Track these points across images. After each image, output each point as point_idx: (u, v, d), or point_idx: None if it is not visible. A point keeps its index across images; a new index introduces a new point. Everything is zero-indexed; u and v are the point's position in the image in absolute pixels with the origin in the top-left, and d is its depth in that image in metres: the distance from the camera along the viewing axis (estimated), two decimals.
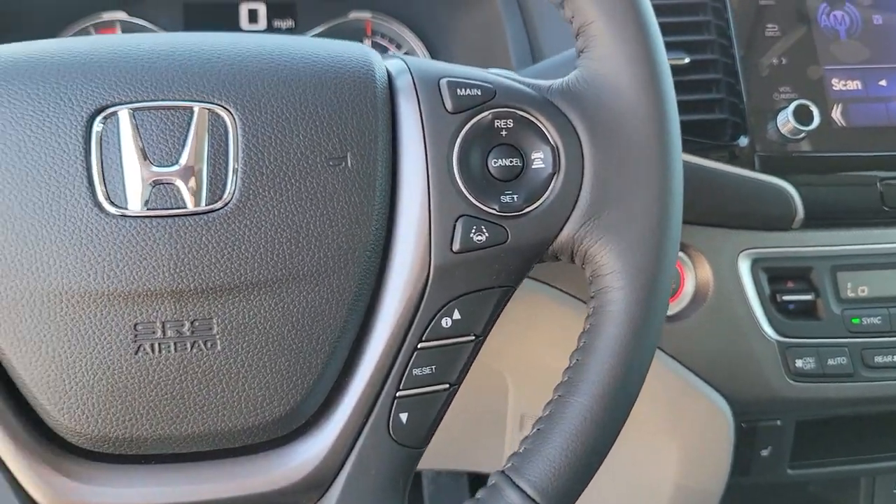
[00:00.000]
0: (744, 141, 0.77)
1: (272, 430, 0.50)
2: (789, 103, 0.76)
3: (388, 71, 0.52)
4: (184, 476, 0.50)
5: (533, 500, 0.48)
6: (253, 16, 1.04)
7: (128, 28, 1.02)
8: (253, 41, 0.51)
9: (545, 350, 0.76)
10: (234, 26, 1.04)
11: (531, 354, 0.83)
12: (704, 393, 0.79)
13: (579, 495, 0.50)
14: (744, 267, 0.78)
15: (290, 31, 1.05)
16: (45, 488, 0.48)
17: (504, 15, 0.87)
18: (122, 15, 1.01)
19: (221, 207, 0.47)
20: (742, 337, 0.78)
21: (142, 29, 1.02)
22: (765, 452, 0.83)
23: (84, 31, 1.01)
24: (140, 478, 0.49)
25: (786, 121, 0.75)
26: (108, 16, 1.01)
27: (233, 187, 0.47)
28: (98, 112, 0.47)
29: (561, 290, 0.78)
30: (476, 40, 0.95)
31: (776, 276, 0.79)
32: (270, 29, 1.04)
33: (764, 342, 0.78)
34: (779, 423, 0.83)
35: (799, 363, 0.78)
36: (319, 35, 1.05)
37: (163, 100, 0.47)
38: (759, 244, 0.79)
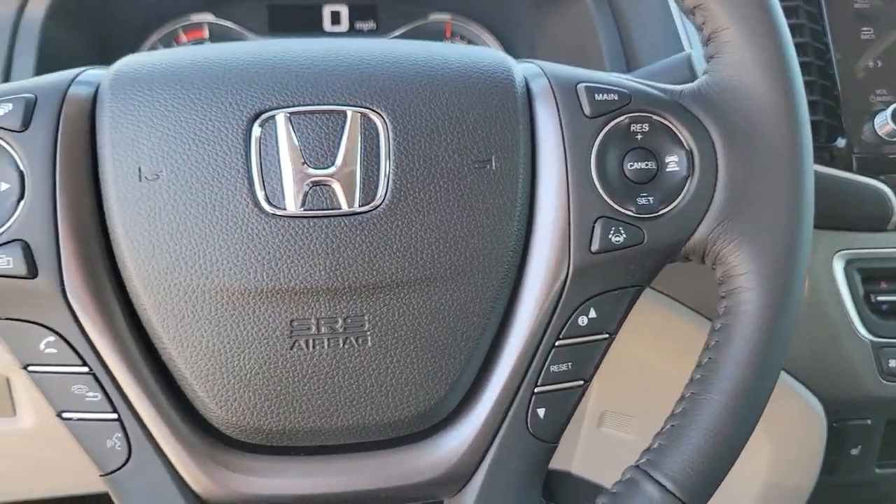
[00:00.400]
0: (841, 142, 0.78)
1: (416, 423, 0.51)
2: (887, 106, 0.76)
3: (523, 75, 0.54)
4: (331, 468, 0.51)
5: (672, 493, 0.50)
6: (335, 18, 1.06)
7: (215, 30, 1.04)
8: (401, 48, 0.52)
9: (629, 349, 0.77)
10: (317, 28, 1.06)
11: (613, 353, 0.85)
12: (798, 392, 0.80)
13: (715, 490, 0.51)
14: (838, 267, 0.79)
15: (371, 32, 1.07)
16: (202, 478, 0.50)
17: (596, 17, 0.88)
18: (209, 17, 1.03)
19: (374, 208, 0.49)
20: (836, 337, 0.79)
21: (228, 31, 1.04)
22: (854, 451, 0.83)
23: (173, 33, 1.03)
24: (290, 469, 0.51)
25: (884, 122, 0.76)
26: (196, 17, 1.03)
27: (385, 189, 0.49)
28: (257, 116, 0.49)
29: (652, 289, 0.79)
30: (564, 43, 0.96)
31: (870, 276, 0.80)
32: (352, 31, 1.06)
33: (857, 342, 0.79)
34: (869, 422, 0.83)
35: (892, 363, 0.78)
36: (400, 37, 1.06)
37: (318, 104, 0.49)
38: (854, 245, 0.79)
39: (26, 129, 0.48)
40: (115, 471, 0.50)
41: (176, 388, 0.50)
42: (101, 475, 0.50)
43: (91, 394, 0.49)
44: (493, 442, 0.51)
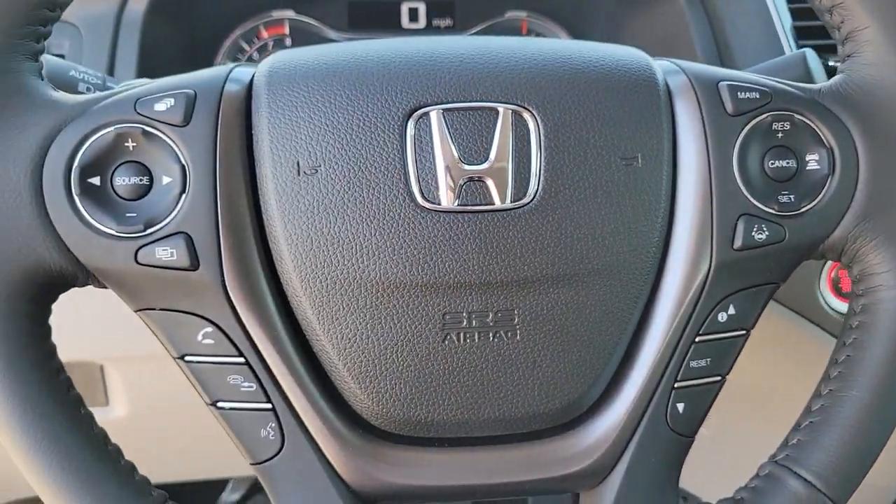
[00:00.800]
0: None
1: (559, 416, 0.52)
2: None
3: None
4: (476, 459, 0.52)
5: (818, 489, 0.50)
6: (413, 14, 1.06)
7: (296, 26, 1.05)
8: (548, 46, 0.53)
9: None
10: (395, 24, 1.06)
11: None
12: None
13: (858, 485, 0.52)
14: None
15: (448, 29, 1.07)
16: (352, 468, 0.51)
17: (690, 16, 0.88)
18: (290, 13, 1.05)
19: (525, 204, 0.49)
20: None
21: (309, 27, 1.05)
22: None
23: (254, 29, 1.04)
24: (436, 460, 0.52)
25: None
26: (277, 14, 1.04)
27: (536, 185, 0.50)
28: (412, 113, 0.49)
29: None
30: (650, 42, 0.96)
31: None
32: (430, 28, 1.07)
33: None
34: None
35: None
36: (477, 34, 1.07)
37: (470, 101, 0.50)
38: None
39: (187, 124, 0.49)
40: (267, 460, 0.51)
41: (326, 379, 0.51)
42: (252, 464, 0.51)
43: (246, 384, 0.50)
44: (634, 436, 0.52)
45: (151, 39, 0.86)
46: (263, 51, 1.04)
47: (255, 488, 1.29)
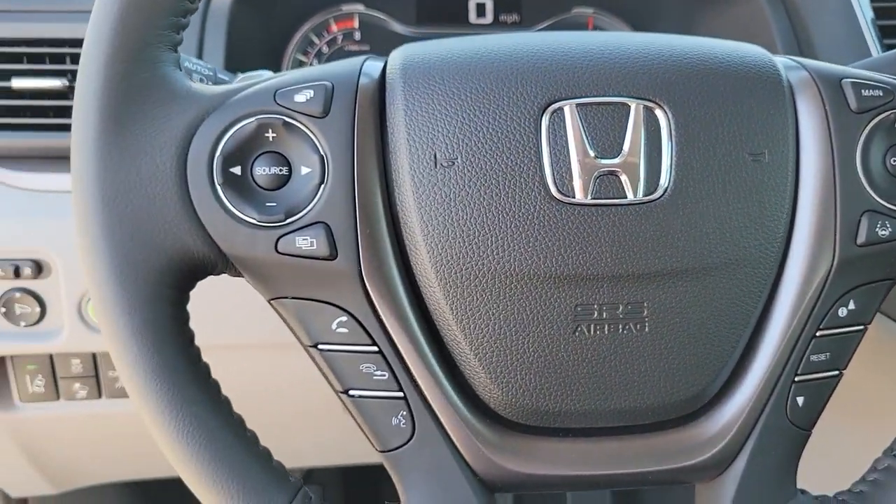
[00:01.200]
0: None
1: (683, 407, 0.53)
2: None
3: None
4: (600, 449, 0.53)
5: None
6: (481, 10, 1.07)
7: (365, 20, 1.05)
8: (675, 41, 0.53)
9: None
10: (462, 19, 1.07)
11: None
12: None
13: None
14: None
15: (515, 25, 1.08)
16: (481, 458, 0.51)
17: (770, 14, 0.88)
18: (360, 7, 1.05)
19: (657, 199, 0.50)
20: None
21: (377, 21, 1.05)
22: None
23: (324, 23, 1.04)
24: (562, 450, 0.53)
25: None
26: (347, 8, 1.05)
27: (667, 179, 0.50)
28: (546, 107, 0.50)
29: None
30: (725, 38, 0.97)
31: None
32: (497, 23, 1.07)
33: None
34: None
35: None
36: (543, 30, 1.08)
37: (603, 96, 0.50)
38: None
39: (326, 115, 0.50)
40: (397, 448, 0.51)
41: (455, 369, 0.52)
42: (380, 451, 0.52)
43: (379, 372, 0.51)
44: (755, 427, 0.53)
45: (236, 32, 0.87)
46: (333, 44, 1.05)
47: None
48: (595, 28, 1.09)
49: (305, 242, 0.49)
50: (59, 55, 0.83)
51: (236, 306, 0.75)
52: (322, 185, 0.49)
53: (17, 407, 0.90)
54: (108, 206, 0.48)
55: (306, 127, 0.50)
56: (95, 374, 0.88)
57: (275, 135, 0.50)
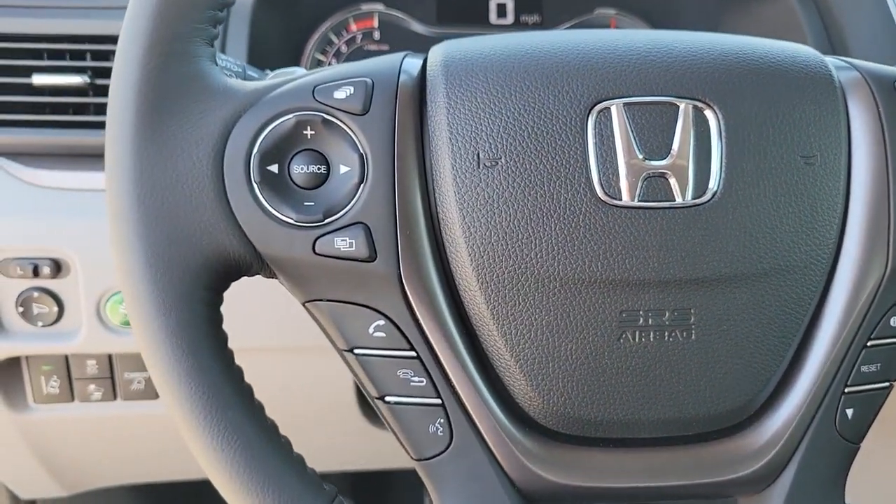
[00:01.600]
0: None
1: (729, 418, 0.51)
2: None
3: None
4: (643, 461, 0.51)
5: None
6: (501, 10, 1.06)
7: (384, 19, 1.04)
8: (722, 40, 0.52)
9: None
10: (483, 20, 1.06)
11: None
12: None
13: None
14: None
15: (536, 26, 1.06)
16: (520, 468, 0.50)
17: (802, 15, 0.87)
18: (379, 6, 1.04)
19: (706, 202, 0.49)
20: None
21: (397, 20, 1.04)
22: None
23: (344, 22, 1.03)
24: (604, 461, 0.51)
25: None
26: (367, 7, 1.03)
27: (716, 182, 0.49)
28: (593, 106, 0.49)
29: None
30: None
31: None
32: (517, 24, 1.06)
33: None
34: None
35: None
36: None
37: (651, 95, 0.49)
38: None
39: (366, 112, 0.48)
40: (433, 456, 0.50)
41: (494, 376, 0.50)
42: (416, 460, 0.50)
43: (416, 378, 0.49)
44: (803, 440, 0.51)
45: (259, 29, 0.86)
46: (352, 44, 1.03)
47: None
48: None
49: (344, 243, 0.48)
50: (80, 52, 0.82)
51: (253, 309, 0.74)
52: (361, 185, 0.48)
53: (32, 408, 0.89)
54: (144, 204, 0.46)
55: (346, 124, 0.48)
56: (111, 375, 0.86)
57: (313, 132, 0.48)
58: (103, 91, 0.82)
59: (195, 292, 0.47)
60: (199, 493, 1.41)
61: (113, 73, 0.48)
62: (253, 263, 0.49)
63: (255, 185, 0.47)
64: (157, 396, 0.88)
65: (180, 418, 0.47)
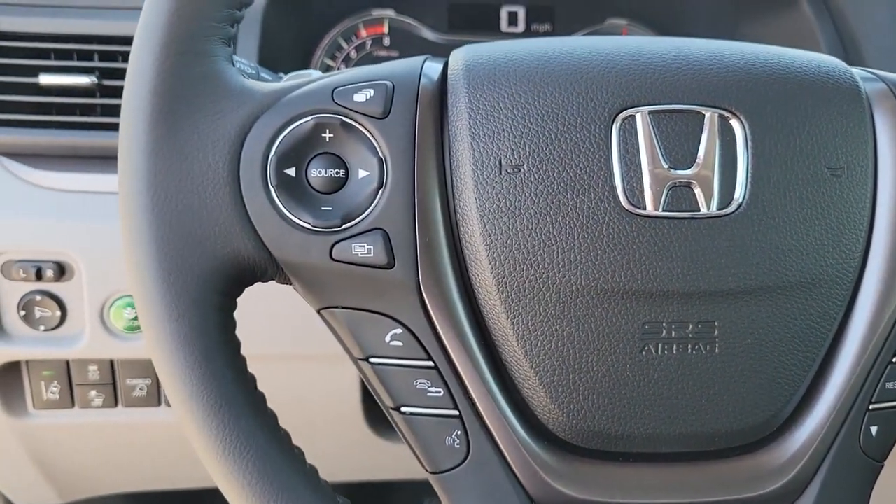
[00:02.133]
0: None
1: (751, 434, 0.50)
2: None
3: None
4: (664, 476, 0.50)
5: None
6: (512, 18, 1.05)
7: (395, 26, 1.03)
8: (748, 49, 0.51)
9: None
10: (494, 27, 1.05)
11: None
12: None
13: None
14: None
15: (547, 34, 1.06)
16: (538, 482, 0.48)
17: (816, 24, 0.86)
18: (390, 13, 1.03)
19: (731, 213, 0.48)
20: None
21: (408, 27, 1.03)
22: None
23: (354, 27, 1.02)
24: (623, 476, 0.50)
25: None
26: (377, 13, 1.03)
27: (742, 192, 0.48)
28: (617, 114, 0.48)
29: None
30: None
31: None
32: (528, 32, 1.05)
33: None
34: None
35: None
36: None
37: (677, 103, 0.48)
38: None
39: (386, 116, 0.47)
40: (449, 469, 0.48)
41: (512, 387, 0.49)
42: (431, 472, 0.49)
43: (434, 389, 0.48)
44: (826, 457, 0.50)
45: (269, 32, 0.85)
46: (361, 49, 1.03)
47: None
48: None
49: (362, 249, 0.46)
50: (88, 52, 0.81)
51: (259, 315, 0.73)
52: (381, 190, 0.47)
53: (31, 414, 0.87)
54: (158, 206, 0.45)
55: (365, 128, 0.47)
56: (113, 381, 0.85)
57: (332, 135, 0.47)
58: (111, 92, 0.81)
59: (209, 297, 0.46)
60: (199, 501, 1.39)
61: (128, 71, 0.47)
62: (268, 268, 0.47)
63: (271, 189, 0.46)
64: (158, 404, 0.87)
65: (191, 426, 0.45)
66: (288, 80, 0.51)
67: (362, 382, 0.90)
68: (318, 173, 0.47)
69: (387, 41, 1.03)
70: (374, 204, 0.47)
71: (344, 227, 0.46)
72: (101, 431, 0.89)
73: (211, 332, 0.45)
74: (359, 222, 0.47)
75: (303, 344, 0.83)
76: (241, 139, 0.46)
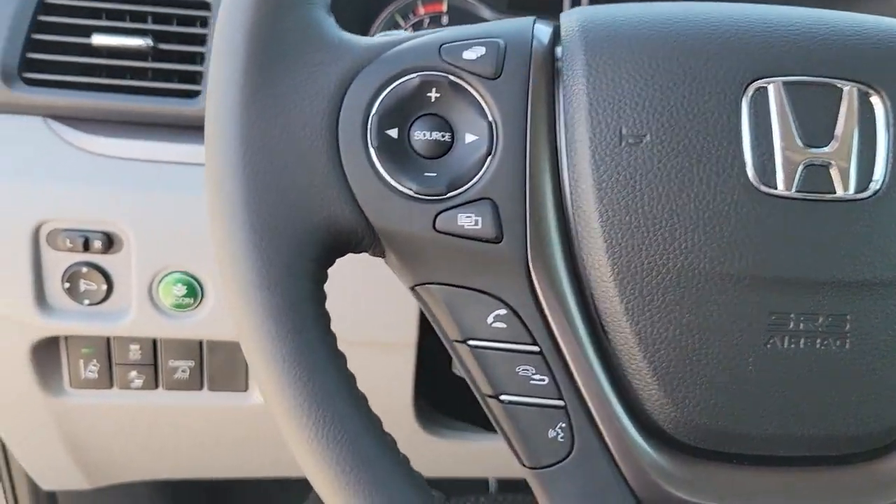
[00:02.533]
0: None
1: (879, 439, 0.46)
2: None
3: None
4: (781, 482, 0.46)
5: None
6: (576, 3, 1.01)
7: (454, 4, 0.99)
8: (887, 22, 0.47)
9: None
10: (556, 9, 1.00)
11: None
12: None
13: None
14: None
15: None
16: (646, 483, 0.45)
17: None
18: None
19: (869, 196, 0.43)
20: None
21: (467, 5, 0.99)
22: None
23: (412, 4, 0.98)
24: (737, 480, 0.46)
25: None
26: None
27: (882, 175, 0.43)
28: (749, 83, 0.43)
29: None
30: None
31: None
32: None
33: None
34: None
35: None
36: None
37: (812, 75, 0.44)
38: None
39: (498, 77, 0.43)
40: (550, 465, 0.44)
41: (621, 379, 0.45)
42: (529, 468, 0.45)
43: (538, 377, 0.44)
44: None
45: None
46: (419, 27, 0.99)
47: None
48: None
49: (469, 220, 0.42)
50: (141, 13, 0.77)
51: None
52: (490, 156, 0.43)
53: (67, 393, 0.83)
54: (252, 163, 0.41)
55: (475, 88, 0.43)
56: (154, 362, 0.81)
57: (438, 95, 0.43)
58: (163, 56, 0.77)
59: (302, 265, 0.42)
60: (227, 492, 1.35)
61: (219, 16, 0.43)
62: (364, 237, 0.43)
63: (371, 151, 0.42)
64: (201, 387, 0.83)
65: (279, 406, 0.41)
66: (380, 38, 0.47)
67: (416, 375, 0.85)
68: (422, 136, 0.43)
69: (445, 20, 0.99)
70: (482, 171, 0.43)
71: (449, 195, 0.43)
72: (140, 414, 0.85)
73: (303, 303, 0.42)
74: (465, 191, 0.43)
75: (355, 329, 0.79)
76: (340, 94, 0.42)
